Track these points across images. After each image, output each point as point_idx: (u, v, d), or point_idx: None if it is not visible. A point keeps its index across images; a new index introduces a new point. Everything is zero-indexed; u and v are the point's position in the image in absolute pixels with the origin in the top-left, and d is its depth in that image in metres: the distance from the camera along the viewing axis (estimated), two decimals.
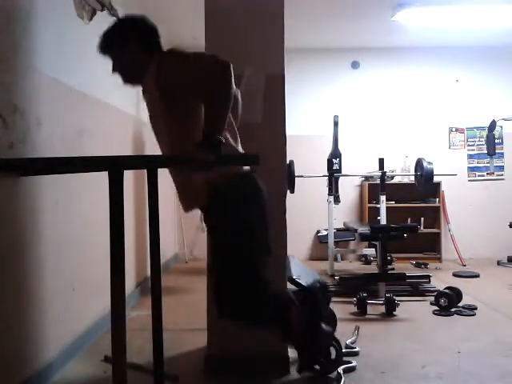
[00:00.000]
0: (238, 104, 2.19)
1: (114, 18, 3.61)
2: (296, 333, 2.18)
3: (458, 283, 4.33)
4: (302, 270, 3.03)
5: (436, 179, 5.02)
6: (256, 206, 2.09)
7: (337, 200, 5.28)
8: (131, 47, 2.04)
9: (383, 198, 4.94)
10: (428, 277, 4.36)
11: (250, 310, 2.11)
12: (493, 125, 5.27)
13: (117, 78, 2.12)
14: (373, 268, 5.23)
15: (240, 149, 2.13)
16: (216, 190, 2.02)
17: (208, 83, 1.87)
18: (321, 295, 2.32)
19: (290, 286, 2.65)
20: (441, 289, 3.92)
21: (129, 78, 2.12)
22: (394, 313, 3.62)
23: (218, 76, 1.86)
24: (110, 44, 2.06)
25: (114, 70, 2.09)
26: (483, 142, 6.01)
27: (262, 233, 2.10)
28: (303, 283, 2.68)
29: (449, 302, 3.71)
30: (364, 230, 4.31)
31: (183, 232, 5.90)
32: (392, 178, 5.68)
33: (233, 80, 1.87)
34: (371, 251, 5.40)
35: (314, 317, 2.23)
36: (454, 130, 6.25)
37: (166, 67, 1.95)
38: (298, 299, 2.20)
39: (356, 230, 4.46)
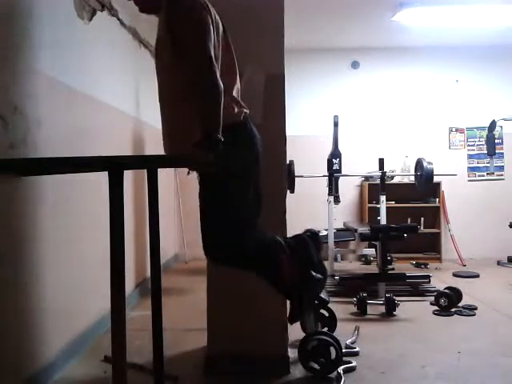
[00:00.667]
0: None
1: (114, 18, 3.61)
2: (286, 280, 2.18)
3: (458, 283, 4.33)
4: None
5: (436, 179, 5.01)
6: (248, 155, 2.08)
7: (337, 200, 5.27)
8: None
9: (383, 198, 4.93)
10: (428, 277, 4.36)
11: (239, 255, 2.11)
12: (493, 125, 5.27)
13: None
14: (373, 268, 5.23)
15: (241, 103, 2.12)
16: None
17: (193, 84, 1.89)
18: (312, 242, 2.30)
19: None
20: (441, 289, 3.92)
21: (145, 6, 2.13)
22: (394, 313, 3.61)
23: (200, 78, 1.88)
24: None
25: None
26: (483, 142, 6.00)
27: (253, 182, 2.11)
28: None
29: (449, 302, 3.71)
30: (364, 230, 4.31)
31: (183, 232, 5.90)
32: (392, 177, 5.67)
33: (216, 75, 1.87)
34: (371, 251, 5.39)
35: (305, 264, 2.22)
36: (453, 130, 6.25)
37: (173, 14, 1.96)
38: (289, 246, 2.20)
39: (356, 230, 4.46)
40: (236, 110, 2.05)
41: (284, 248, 2.18)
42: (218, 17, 2.05)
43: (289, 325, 2.53)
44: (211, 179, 2.04)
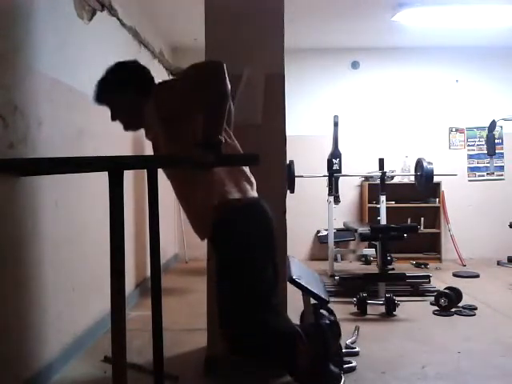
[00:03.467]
0: (231, 114, 2.10)
1: (114, 18, 3.61)
2: (302, 371, 2.10)
3: (458, 283, 4.33)
4: (302, 270, 3.03)
5: (436, 179, 5.02)
6: (264, 237, 2.03)
7: (337, 200, 5.27)
8: (127, 95, 2.02)
9: (383, 198, 4.94)
10: (428, 277, 4.36)
11: (256, 346, 2.02)
12: (493, 125, 5.27)
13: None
14: (373, 268, 5.23)
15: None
16: (223, 221, 1.97)
17: (201, 86, 1.84)
18: (330, 333, 2.24)
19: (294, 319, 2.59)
20: (441, 289, 3.92)
21: (130, 124, 2.12)
22: (394, 313, 3.61)
23: (209, 77, 1.84)
24: (105, 94, 2.04)
25: (114, 118, 2.07)
26: (483, 142, 6.00)
27: (269, 265, 2.02)
28: (303, 283, 2.67)
29: (449, 302, 3.70)
30: (364, 230, 4.31)
31: (183, 232, 5.90)
32: (392, 178, 5.67)
33: (226, 78, 1.83)
34: (371, 251, 5.39)
35: (323, 356, 2.15)
36: (453, 130, 6.25)
37: (163, 98, 1.92)
38: (307, 335, 2.11)
39: (356, 230, 4.46)
40: (248, 187, 2.02)
41: (302, 338, 2.08)
42: None
43: None
44: (228, 257, 1.99)
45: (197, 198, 2.00)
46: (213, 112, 1.87)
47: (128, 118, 2.09)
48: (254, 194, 2.05)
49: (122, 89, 2.02)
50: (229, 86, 1.85)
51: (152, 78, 2.09)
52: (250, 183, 2.06)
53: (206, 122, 1.87)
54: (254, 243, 1.99)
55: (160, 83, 2.04)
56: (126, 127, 2.12)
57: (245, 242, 1.97)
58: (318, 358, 2.12)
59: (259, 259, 2.00)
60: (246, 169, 2.07)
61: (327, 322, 2.34)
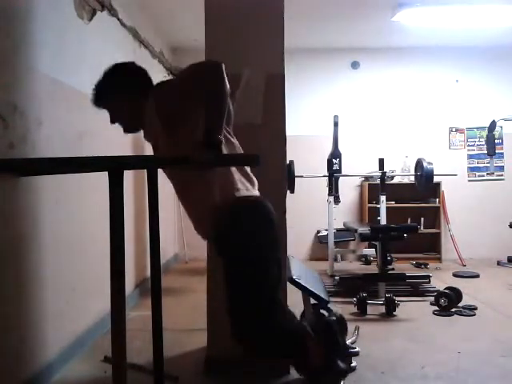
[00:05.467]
0: (231, 113, 2.08)
1: (114, 18, 3.61)
2: (312, 367, 2.11)
3: (458, 283, 4.33)
4: (302, 270, 3.03)
5: (436, 179, 5.02)
6: (268, 235, 2.02)
7: (337, 200, 5.28)
8: (125, 97, 2.01)
9: (383, 198, 4.94)
10: (428, 277, 4.36)
11: (265, 343, 2.04)
12: (493, 125, 5.27)
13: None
14: (373, 268, 5.23)
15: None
16: (226, 220, 1.96)
17: (200, 85, 1.84)
18: (338, 327, 2.25)
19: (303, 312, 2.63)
20: (441, 289, 3.92)
21: (130, 127, 2.10)
22: (394, 313, 3.61)
23: (208, 77, 1.83)
24: (103, 97, 2.02)
25: (113, 121, 2.06)
26: (483, 143, 6.00)
27: (274, 263, 2.03)
28: (303, 283, 2.67)
29: (449, 302, 3.71)
30: (364, 230, 4.31)
31: (183, 232, 5.90)
32: (392, 178, 5.67)
33: (225, 78, 1.82)
34: (371, 251, 5.39)
35: (332, 353, 2.16)
36: (454, 130, 6.25)
37: (162, 97, 1.92)
38: (315, 331, 2.13)
39: (356, 230, 4.46)
40: (250, 185, 2.02)
41: (310, 335, 2.10)
42: None
43: None
44: (234, 259, 1.99)
45: (199, 197, 1.99)
46: (212, 111, 1.86)
47: (127, 120, 2.06)
48: (256, 192, 2.04)
49: (121, 91, 2.01)
50: (227, 86, 1.85)
51: (150, 79, 2.08)
52: (252, 182, 2.05)
53: (207, 122, 1.86)
54: (261, 242, 1.98)
55: (158, 83, 2.03)
56: (126, 130, 2.10)
57: (252, 241, 1.96)
58: (327, 355, 2.13)
59: (266, 258, 2.00)
60: (247, 168, 2.07)
61: (334, 318, 2.33)
